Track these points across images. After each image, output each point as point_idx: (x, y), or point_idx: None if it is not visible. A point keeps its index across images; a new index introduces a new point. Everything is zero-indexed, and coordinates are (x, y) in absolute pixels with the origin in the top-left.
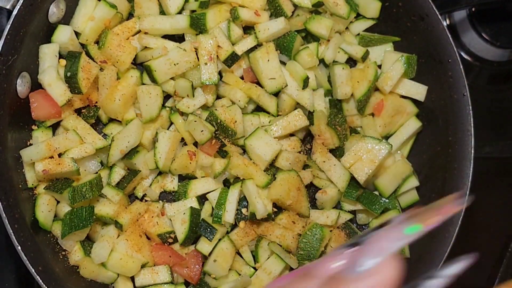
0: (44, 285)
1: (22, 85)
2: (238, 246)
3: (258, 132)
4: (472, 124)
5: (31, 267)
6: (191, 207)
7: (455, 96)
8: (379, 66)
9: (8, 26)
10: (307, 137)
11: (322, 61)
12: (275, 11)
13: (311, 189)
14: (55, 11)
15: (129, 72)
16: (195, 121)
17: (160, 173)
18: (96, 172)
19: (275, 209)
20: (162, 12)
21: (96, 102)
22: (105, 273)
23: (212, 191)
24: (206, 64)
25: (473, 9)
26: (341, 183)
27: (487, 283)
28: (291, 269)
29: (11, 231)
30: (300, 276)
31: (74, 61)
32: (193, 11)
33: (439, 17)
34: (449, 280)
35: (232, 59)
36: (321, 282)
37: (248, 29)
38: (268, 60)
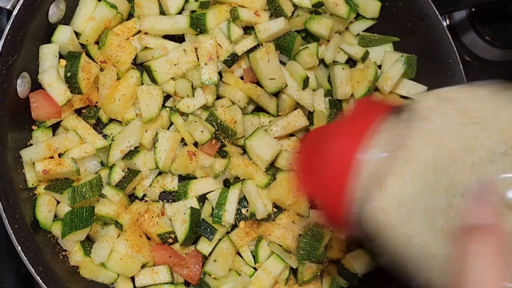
0: (44, 285)
1: (22, 85)
2: (238, 246)
3: (258, 132)
4: None
5: (31, 267)
6: (191, 207)
7: None
8: (379, 66)
9: (8, 26)
10: None
11: (322, 61)
12: (275, 11)
13: None
14: (55, 11)
15: (129, 72)
16: (195, 122)
17: (160, 173)
18: (96, 172)
19: (275, 209)
20: (162, 12)
21: (96, 102)
22: (105, 273)
23: (212, 191)
24: (206, 64)
25: (473, 9)
26: None
27: None
28: (291, 268)
29: (11, 231)
30: None
31: (74, 61)
32: (193, 11)
33: (439, 17)
34: None
35: (232, 59)
36: None
37: (248, 29)
38: (268, 60)
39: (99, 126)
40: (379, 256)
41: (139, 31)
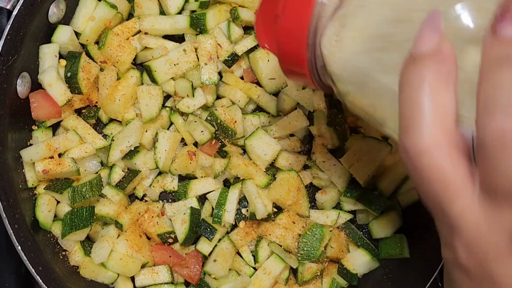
0: (44, 285)
1: (22, 85)
2: (238, 246)
3: (258, 132)
4: None
5: (31, 267)
6: (191, 207)
7: None
8: None
9: (8, 27)
10: (307, 137)
11: None
12: None
13: (311, 189)
14: (55, 11)
15: (129, 72)
16: (195, 122)
17: (160, 173)
18: (96, 172)
19: (275, 209)
20: (162, 12)
21: (96, 102)
22: (105, 273)
23: (212, 191)
24: (206, 64)
25: None
26: (341, 183)
27: None
28: (291, 268)
29: (11, 231)
30: None
31: (74, 61)
32: (193, 11)
33: None
34: None
35: (232, 59)
36: None
37: (248, 29)
38: (268, 60)
39: (99, 126)
40: (345, 101)
41: (139, 31)
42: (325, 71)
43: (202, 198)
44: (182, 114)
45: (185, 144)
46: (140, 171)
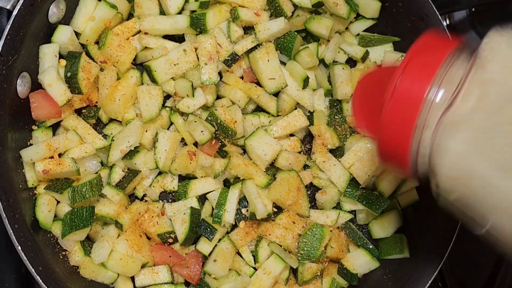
0: (44, 285)
1: (22, 85)
2: (238, 246)
3: (258, 132)
4: None
5: (31, 267)
6: (191, 207)
7: None
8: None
9: (8, 26)
10: (307, 137)
11: (322, 61)
12: (275, 11)
13: (311, 189)
14: (55, 11)
15: (129, 72)
16: (195, 122)
17: (160, 173)
18: (96, 172)
19: (275, 209)
20: (162, 12)
21: (96, 102)
22: (105, 273)
23: (212, 191)
24: (206, 64)
25: (473, 9)
26: (341, 183)
27: (487, 283)
28: (291, 268)
29: (11, 231)
30: None
31: (74, 61)
32: (193, 11)
33: (439, 17)
34: None
35: (232, 59)
36: None
37: (248, 29)
38: (268, 60)
39: (99, 126)
40: (442, 200)
41: (139, 31)
42: (426, 166)
43: (202, 198)
44: (182, 114)
45: (185, 144)
46: (140, 171)
